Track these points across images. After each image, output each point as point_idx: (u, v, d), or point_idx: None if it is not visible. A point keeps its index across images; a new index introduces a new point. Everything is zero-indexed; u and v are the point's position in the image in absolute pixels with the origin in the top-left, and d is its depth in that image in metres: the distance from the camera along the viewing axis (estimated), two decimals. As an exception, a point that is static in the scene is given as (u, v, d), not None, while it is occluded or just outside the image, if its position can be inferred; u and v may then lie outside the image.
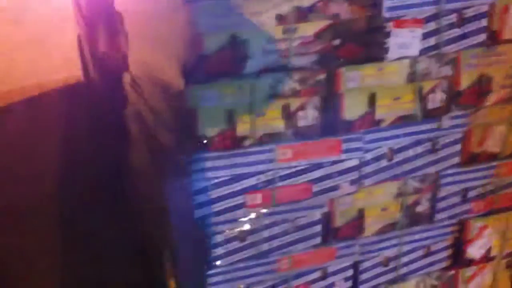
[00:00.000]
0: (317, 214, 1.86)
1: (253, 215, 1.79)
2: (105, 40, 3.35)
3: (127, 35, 2.57)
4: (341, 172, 1.81)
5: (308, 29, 1.65)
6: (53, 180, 3.44)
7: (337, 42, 1.69)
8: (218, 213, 1.74)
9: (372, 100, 1.76)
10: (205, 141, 1.66)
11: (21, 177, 3.49)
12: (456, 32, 1.75)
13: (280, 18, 1.62)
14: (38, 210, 3.20)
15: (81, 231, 2.98)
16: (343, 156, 1.78)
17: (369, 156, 1.83)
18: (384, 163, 1.87)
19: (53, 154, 3.69)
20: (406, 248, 2.02)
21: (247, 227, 1.80)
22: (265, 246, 1.84)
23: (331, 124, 1.75)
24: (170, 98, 1.74)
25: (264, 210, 1.79)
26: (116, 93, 2.88)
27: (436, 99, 1.82)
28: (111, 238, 2.90)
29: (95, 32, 3.58)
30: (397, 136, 1.84)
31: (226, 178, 1.71)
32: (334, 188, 1.82)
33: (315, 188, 1.80)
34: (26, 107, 4.36)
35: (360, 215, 1.92)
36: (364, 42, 1.71)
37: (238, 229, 1.79)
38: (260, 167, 1.72)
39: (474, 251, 2.12)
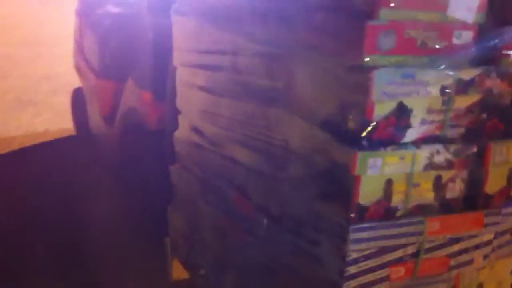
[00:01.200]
0: (443, 289, 1.82)
1: (390, 289, 1.73)
2: (133, 95, 3.25)
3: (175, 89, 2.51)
4: (478, 246, 1.78)
5: (463, 102, 1.66)
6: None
7: (484, 116, 1.70)
8: (363, 286, 1.67)
9: (511, 175, 1.77)
10: (362, 211, 1.60)
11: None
12: None
13: (443, 90, 1.62)
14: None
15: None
16: (484, 230, 1.76)
17: (499, 229, 1.82)
18: (508, 237, 1.86)
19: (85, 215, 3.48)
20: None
21: (382, 302, 1.73)
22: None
23: (473, 198, 1.74)
24: (322, 164, 1.67)
25: (400, 283, 1.73)
26: (160, 149, 2.80)
27: None
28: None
29: (117, 87, 3.48)
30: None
31: (375, 249, 1.65)
32: (468, 263, 1.79)
33: (452, 262, 1.76)
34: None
35: (480, 290, 1.89)
36: (507, 117, 1.73)
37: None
38: (410, 239, 1.67)
39: None
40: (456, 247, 1.75)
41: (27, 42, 7.35)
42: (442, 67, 1.59)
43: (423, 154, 1.63)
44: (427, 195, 1.67)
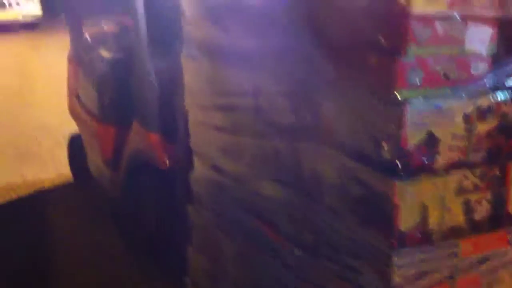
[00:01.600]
0: (474, 308, 1.90)
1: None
2: (140, 137, 3.28)
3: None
4: (505, 265, 1.87)
5: (483, 127, 1.77)
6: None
7: (502, 139, 1.82)
8: (406, 312, 1.73)
9: (527, 193, 1.88)
10: (401, 237, 1.67)
11: None
12: None
13: (466, 118, 1.73)
14: None
15: None
16: (509, 248, 1.86)
17: (521, 247, 1.92)
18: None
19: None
20: None
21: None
22: None
23: (498, 217, 1.84)
24: (358, 193, 1.75)
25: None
26: (172, 189, 2.83)
27: None
28: None
29: (119, 130, 3.50)
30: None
31: (416, 273, 1.72)
32: (497, 281, 1.87)
33: (483, 281, 1.85)
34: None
35: (505, 308, 1.97)
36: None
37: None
38: (446, 262, 1.75)
39: None
40: (486, 266, 1.84)
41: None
42: (463, 96, 1.71)
43: (453, 179, 1.73)
44: (458, 218, 1.76)
